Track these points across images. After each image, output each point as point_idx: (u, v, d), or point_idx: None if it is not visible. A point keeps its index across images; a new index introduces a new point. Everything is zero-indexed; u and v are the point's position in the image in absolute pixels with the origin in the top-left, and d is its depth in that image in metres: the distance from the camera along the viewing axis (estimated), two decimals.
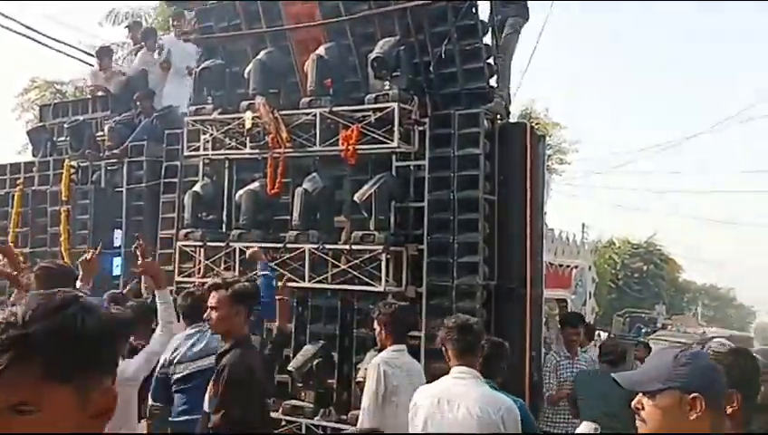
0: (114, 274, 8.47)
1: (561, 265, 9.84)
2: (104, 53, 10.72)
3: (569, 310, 10.09)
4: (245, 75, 7.12)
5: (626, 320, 24.81)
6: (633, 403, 2.17)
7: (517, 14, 7.05)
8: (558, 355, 6.74)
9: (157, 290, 4.79)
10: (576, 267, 10.52)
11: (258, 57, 7.12)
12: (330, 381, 6.57)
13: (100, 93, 10.22)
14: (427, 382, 5.38)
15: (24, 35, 12.06)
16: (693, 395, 2.05)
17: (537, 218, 6.79)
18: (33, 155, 10.19)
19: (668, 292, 39.88)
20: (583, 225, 28.21)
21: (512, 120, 7.52)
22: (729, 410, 2.15)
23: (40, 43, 12.30)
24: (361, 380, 5.20)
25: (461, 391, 3.85)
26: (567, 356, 6.67)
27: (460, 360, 3.94)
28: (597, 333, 11.53)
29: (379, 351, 4.92)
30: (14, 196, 9.35)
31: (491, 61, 6.79)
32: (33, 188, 9.33)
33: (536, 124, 18.12)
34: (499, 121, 6.75)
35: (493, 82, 6.85)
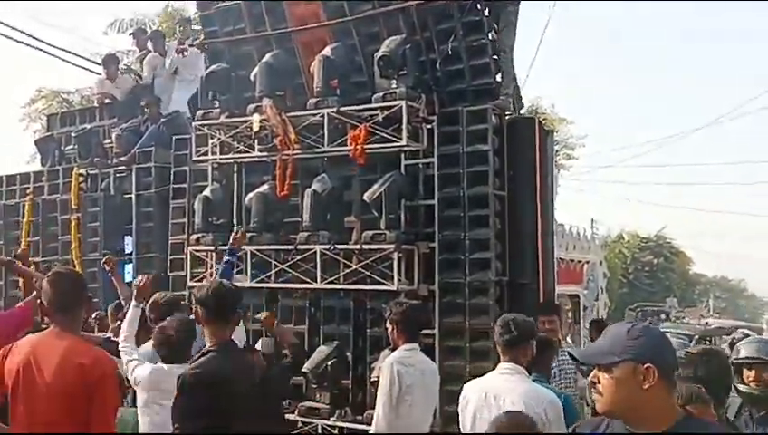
0: (126, 280, 8.48)
1: (572, 261, 9.82)
2: (110, 62, 10.74)
3: (581, 305, 10.05)
4: (252, 78, 7.12)
5: (638, 314, 24.74)
6: (589, 378, 2.26)
7: (510, 4, 6.91)
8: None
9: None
10: (587, 262, 10.49)
11: (264, 60, 7.12)
12: (344, 381, 6.56)
13: (107, 101, 10.24)
14: (441, 381, 5.41)
15: (30, 45, 12.15)
16: (646, 365, 2.15)
17: (548, 213, 6.77)
18: (42, 164, 10.25)
19: (679, 285, 39.75)
20: (592, 220, 28.10)
21: (519, 115, 7.47)
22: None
23: (46, 52, 12.39)
24: (376, 379, 5.19)
25: (507, 386, 3.96)
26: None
27: (506, 356, 4.07)
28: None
29: (393, 350, 4.91)
30: (24, 205, 9.42)
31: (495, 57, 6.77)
32: (43, 197, 9.40)
33: (543, 120, 18.11)
34: (507, 117, 6.71)
35: (498, 78, 6.83)
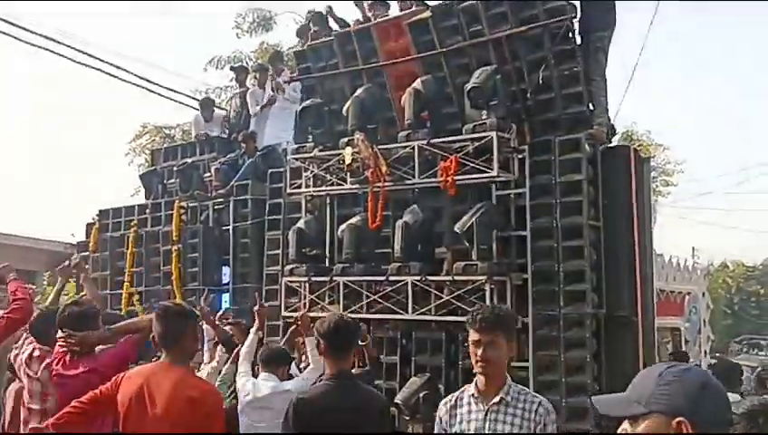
0: (223, 308, 8.73)
1: (672, 292, 9.42)
2: (206, 105, 11.37)
3: (683, 338, 9.64)
4: (344, 112, 7.27)
5: (743, 346, 23.49)
6: (618, 431, 1.89)
7: (600, 27, 6.81)
8: None
9: (306, 338, 5.49)
10: (689, 294, 10.05)
11: (356, 94, 7.27)
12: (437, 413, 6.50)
13: (203, 139, 10.71)
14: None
15: (135, 84, 12.85)
16: (678, 419, 1.74)
17: (645, 243, 6.57)
18: (146, 197, 10.72)
19: None
20: (693, 248, 27.03)
21: (614, 144, 7.32)
22: None
23: (149, 90, 13.07)
24: None
25: None
26: None
27: None
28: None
29: None
30: (129, 237, 9.83)
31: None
32: (147, 229, 9.78)
33: (639, 146, 17.60)
34: (601, 147, 6.58)
35: (591, 106, 6.72)
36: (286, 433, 3.71)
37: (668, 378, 1.79)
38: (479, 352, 3.38)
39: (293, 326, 6.24)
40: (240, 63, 15.71)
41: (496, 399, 3.39)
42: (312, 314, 6.16)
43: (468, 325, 3.49)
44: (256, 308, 5.80)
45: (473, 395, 3.46)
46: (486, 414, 3.39)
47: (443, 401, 3.56)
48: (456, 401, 3.53)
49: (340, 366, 3.85)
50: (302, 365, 5.94)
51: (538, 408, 3.35)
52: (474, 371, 3.58)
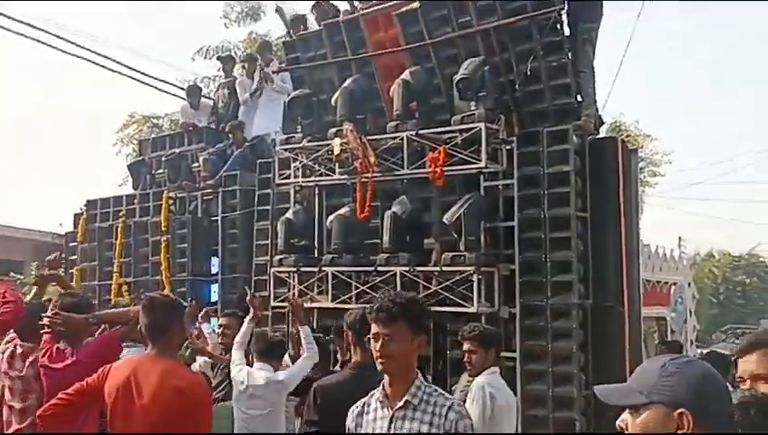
0: (212, 300, 8.75)
1: (658, 282, 9.50)
2: (193, 92, 11.27)
3: (668, 328, 9.73)
4: (333, 103, 7.27)
5: (729, 336, 23.70)
6: (617, 422, 1.89)
7: (588, 19, 6.84)
8: None
9: (300, 326, 5.54)
10: (675, 284, 10.13)
11: (344, 85, 7.26)
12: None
13: (190, 128, 10.66)
14: (523, 405, 5.29)
15: (123, 74, 12.77)
16: (679, 410, 1.75)
17: (632, 234, 6.62)
18: (134, 188, 10.67)
19: None
20: (680, 238, 27.23)
21: (601, 135, 7.35)
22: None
23: (138, 80, 12.99)
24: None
25: None
26: None
27: None
28: (701, 351, 11.08)
29: (471, 375, 4.89)
30: (117, 227, 9.80)
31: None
32: (135, 219, 9.75)
33: (627, 137, 17.67)
34: (589, 138, 6.62)
35: (579, 98, 6.75)
36: (309, 419, 3.80)
37: (671, 369, 1.80)
38: (377, 346, 2.95)
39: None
40: (227, 53, 15.62)
41: (401, 402, 2.93)
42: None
43: (368, 317, 3.09)
44: (249, 298, 5.86)
45: (379, 399, 3.01)
46: (391, 421, 2.93)
47: (350, 409, 3.13)
48: (363, 406, 3.07)
49: (366, 355, 3.86)
50: (291, 352, 5.98)
51: (448, 413, 2.88)
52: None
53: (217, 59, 13.71)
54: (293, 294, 7.30)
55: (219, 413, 5.30)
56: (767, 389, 2.32)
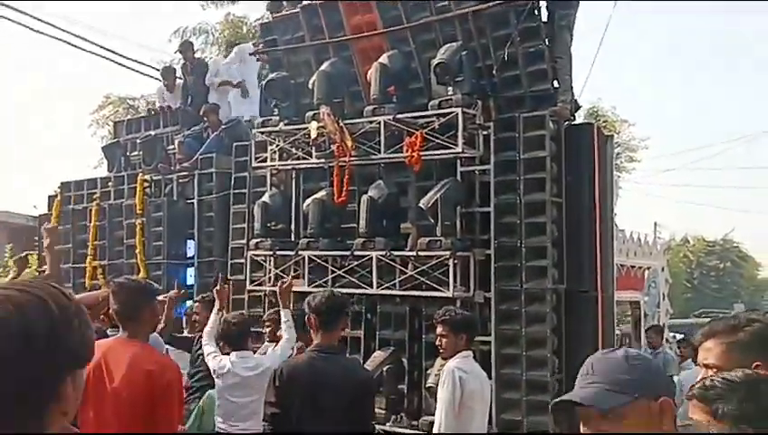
0: (188, 283, 8.71)
1: (632, 267, 9.59)
2: (168, 73, 11.11)
3: (642, 312, 9.85)
4: (310, 86, 7.23)
5: (702, 320, 24.04)
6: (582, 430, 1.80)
7: (565, 6, 6.83)
8: None
9: (282, 310, 5.40)
10: (649, 268, 10.25)
11: (322, 68, 7.22)
12: (400, 386, 6.60)
13: (165, 111, 10.55)
14: (498, 389, 5.35)
15: (99, 54, 12.59)
16: (661, 399, 1.74)
17: (606, 220, 6.67)
18: (109, 170, 10.57)
19: (747, 290, 38.51)
20: (655, 224, 27.51)
21: (578, 121, 7.38)
22: None
23: (113, 61, 12.81)
24: (432, 385, 5.20)
25: None
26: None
27: None
28: (673, 335, 11.23)
29: (444, 358, 4.91)
30: (91, 210, 9.72)
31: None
32: (110, 202, 9.68)
33: (603, 122, 17.79)
34: (565, 124, 6.65)
35: (555, 84, 6.77)
36: (267, 400, 3.86)
37: (636, 361, 1.78)
38: None
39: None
40: (187, 40, 15.24)
41: None
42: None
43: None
44: (216, 288, 5.86)
45: None
46: None
47: None
48: None
49: (328, 339, 3.98)
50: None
51: None
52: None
53: (175, 52, 13.48)
54: (269, 278, 7.30)
55: (211, 408, 5.37)
56: None
